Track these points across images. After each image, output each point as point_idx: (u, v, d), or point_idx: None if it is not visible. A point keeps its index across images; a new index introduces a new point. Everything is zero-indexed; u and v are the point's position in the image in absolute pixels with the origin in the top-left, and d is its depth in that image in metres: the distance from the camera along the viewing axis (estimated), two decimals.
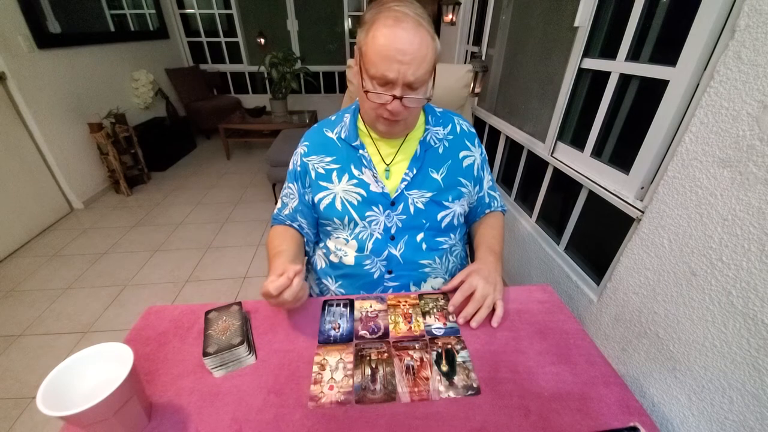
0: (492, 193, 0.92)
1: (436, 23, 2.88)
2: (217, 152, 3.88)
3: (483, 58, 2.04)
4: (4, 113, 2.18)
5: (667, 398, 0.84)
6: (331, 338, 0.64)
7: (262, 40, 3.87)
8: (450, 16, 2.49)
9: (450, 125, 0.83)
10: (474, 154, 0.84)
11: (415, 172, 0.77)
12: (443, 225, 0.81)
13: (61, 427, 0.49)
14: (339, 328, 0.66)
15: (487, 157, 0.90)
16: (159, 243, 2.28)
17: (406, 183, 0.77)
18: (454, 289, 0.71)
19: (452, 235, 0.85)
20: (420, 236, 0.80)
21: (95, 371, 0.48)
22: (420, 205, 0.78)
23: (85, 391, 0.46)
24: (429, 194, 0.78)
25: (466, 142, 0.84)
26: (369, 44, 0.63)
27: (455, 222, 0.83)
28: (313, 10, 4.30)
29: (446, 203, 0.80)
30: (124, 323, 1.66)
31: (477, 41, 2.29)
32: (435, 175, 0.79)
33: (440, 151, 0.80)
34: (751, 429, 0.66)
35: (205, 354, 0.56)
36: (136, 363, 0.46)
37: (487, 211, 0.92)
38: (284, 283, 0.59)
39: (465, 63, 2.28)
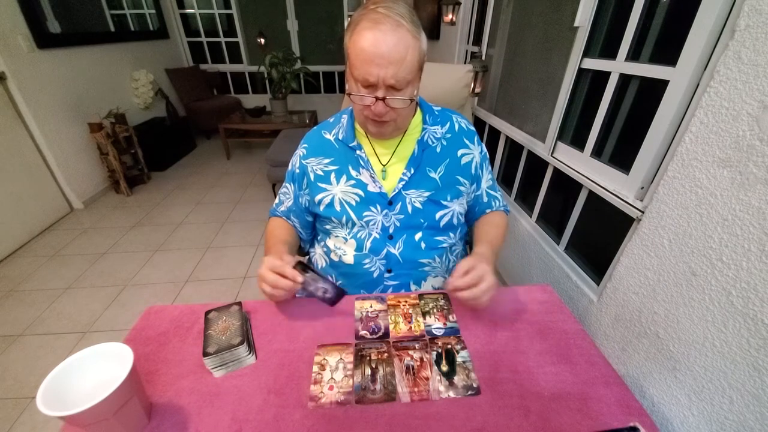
0: (492, 192, 0.90)
1: (436, 23, 2.88)
2: (217, 152, 3.88)
3: (483, 58, 2.04)
4: (4, 113, 2.18)
5: (667, 398, 0.84)
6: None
7: (262, 40, 3.87)
8: (450, 16, 2.49)
9: (448, 123, 0.83)
10: (473, 152, 0.84)
11: (412, 171, 0.77)
12: (442, 224, 0.81)
13: (61, 427, 0.49)
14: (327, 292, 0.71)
15: (488, 156, 0.89)
16: (159, 243, 2.27)
17: (403, 183, 0.77)
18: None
19: (452, 234, 0.85)
20: (418, 235, 0.80)
21: (95, 371, 0.48)
22: (418, 205, 0.78)
23: (85, 391, 0.46)
24: (427, 193, 0.78)
25: (465, 140, 0.83)
26: (351, 47, 0.64)
27: (454, 221, 0.83)
28: (313, 10, 4.30)
29: (444, 202, 0.79)
30: (124, 323, 1.66)
31: (477, 41, 2.29)
32: (433, 174, 0.79)
33: (438, 150, 0.80)
34: (751, 429, 0.65)
35: (205, 354, 0.56)
36: (136, 363, 0.46)
37: (488, 210, 0.90)
38: (280, 283, 0.64)
39: (465, 63, 2.28)
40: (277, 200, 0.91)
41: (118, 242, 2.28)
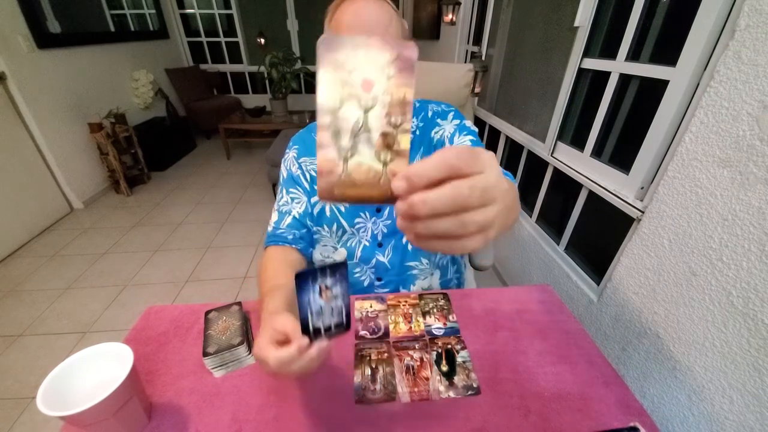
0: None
1: (436, 23, 2.88)
2: (217, 152, 3.88)
3: (483, 57, 2.04)
4: (4, 113, 2.18)
5: (667, 398, 0.84)
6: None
7: (262, 40, 3.87)
8: (450, 16, 2.49)
9: (422, 113, 0.79)
10: (443, 127, 0.76)
11: None
12: None
13: (61, 427, 0.49)
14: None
15: (470, 127, 0.76)
16: (159, 243, 2.27)
17: None
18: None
19: None
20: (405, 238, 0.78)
21: (95, 371, 0.48)
22: None
23: (85, 391, 0.46)
24: None
25: (437, 119, 0.77)
26: (334, 26, 0.63)
27: None
28: (313, 10, 4.30)
29: None
30: (124, 323, 1.66)
31: (477, 41, 2.29)
32: None
33: (413, 141, 0.76)
34: (751, 429, 0.66)
35: (205, 354, 0.56)
36: (136, 363, 0.46)
37: None
38: (291, 356, 0.39)
39: (465, 63, 2.28)
40: (274, 218, 0.76)
41: (118, 242, 2.28)
